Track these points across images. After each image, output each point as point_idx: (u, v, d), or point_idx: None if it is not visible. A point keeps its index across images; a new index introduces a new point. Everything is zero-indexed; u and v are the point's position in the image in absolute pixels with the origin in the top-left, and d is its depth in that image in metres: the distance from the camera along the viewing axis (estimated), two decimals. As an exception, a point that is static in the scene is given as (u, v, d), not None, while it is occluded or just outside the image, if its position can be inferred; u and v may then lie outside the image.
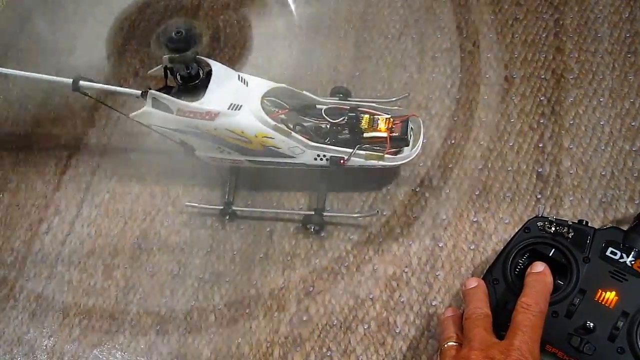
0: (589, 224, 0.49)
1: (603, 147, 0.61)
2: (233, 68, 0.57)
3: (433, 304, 0.57)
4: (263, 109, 0.56)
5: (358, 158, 0.58)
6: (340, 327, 0.57)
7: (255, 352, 0.57)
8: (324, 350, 0.56)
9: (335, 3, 0.77)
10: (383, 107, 0.61)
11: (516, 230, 0.50)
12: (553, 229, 0.49)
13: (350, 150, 0.58)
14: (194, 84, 0.56)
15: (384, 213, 0.62)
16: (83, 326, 0.62)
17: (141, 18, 0.83)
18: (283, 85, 0.59)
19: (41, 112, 0.78)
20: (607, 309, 0.45)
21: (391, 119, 0.59)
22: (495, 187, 0.61)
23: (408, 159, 0.58)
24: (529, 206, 0.60)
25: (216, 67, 0.56)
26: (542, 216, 0.50)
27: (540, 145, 0.63)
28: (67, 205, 0.70)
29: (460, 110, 0.66)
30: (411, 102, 0.68)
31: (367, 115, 0.59)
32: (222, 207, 0.64)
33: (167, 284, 0.63)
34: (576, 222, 0.49)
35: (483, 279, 0.49)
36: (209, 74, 0.56)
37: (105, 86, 0.61)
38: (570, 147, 0.62)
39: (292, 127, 0.59)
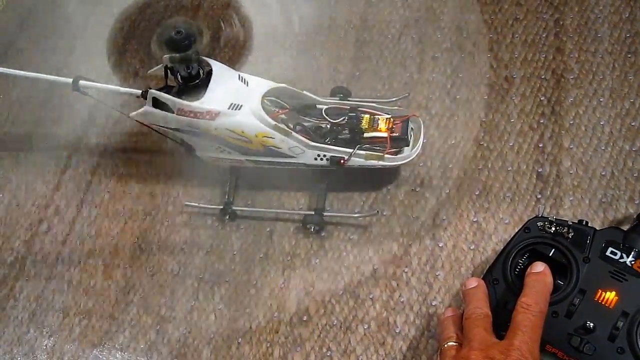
0: (589, 224, 0.49)
1: (603, 147, 0.61)
2: (233, 68, 0.57)
3: (433, 304, 0.57)
4: (263, 108, 0.56)
5: (358, 158, 0.58)
6: (340, 327, 0.57)
7: (255, 352, 0.57)
8: (324, 350, 0.56)
9: (336, 3, 0.77)
10: (383, 107, 0.61)
11: (516, 230, 0.50)
12: (553, 229, 0.49)
13: (350, 150, 0.58)
14: (194, 83, 0.56)
15: (384, 213, 0.62)
16: (83, 326, 0.62)
17: (141, 18, 0.83)
18: (283, 85, 0.59)
19: (41, 112, 0.78)
20: (607, 309, 0.45)
21: (391, 119, 0.59)
22: (495, 187, 0.61)
23: (408, 159, 0.58)
24: (529, 206, 0.60)
25: (216, 66, 0.56)
26: (542, 216, 0.50)
27: (540, 145, 0.63)
28: (67, 205, 0.70)
29: (460, 110, 0.66)
30: (411, 102, 0.68)
31: (367, 115, 0.59)
32: (222, 207, 0.64)
33: (167, 283, 0.63)
34: (576, 222, 0.49)
35: (483, 279, 0.49)
36: (209, 73, 0.56)
37: (105, 86, 0.61)
38: (570, 147, 0.62)
39: (292, 127, 0.59)
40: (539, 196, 0.60)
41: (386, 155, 0.58)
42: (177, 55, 0.53)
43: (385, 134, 0.58)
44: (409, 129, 0.59)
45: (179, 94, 0.56)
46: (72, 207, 0.69)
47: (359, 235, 0.61)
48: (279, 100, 0.60)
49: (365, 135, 0.58)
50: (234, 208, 0.64)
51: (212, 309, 0.60)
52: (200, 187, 0.67)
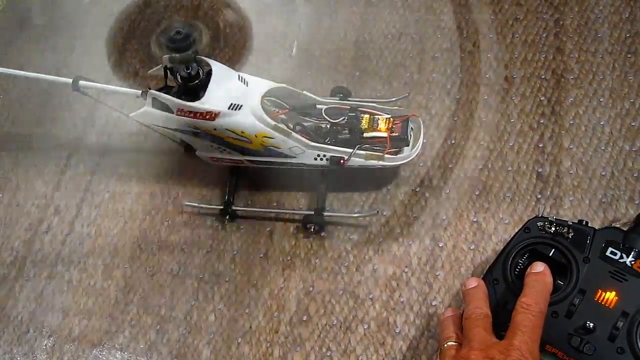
0: (589, 224, 0.49)
1: (603, 147, 0.61)
2: (233, 68, 0.57)
3: (433, 304, 0.57)
4: (263, 108, 0.56)
5: (358, 158, 0.58)
6: (340, 327, 0.57)
7: (255, 352, 0.57)
8: (324, 350, 0.56)
9: (336, 3, 0.77)
10: (383, 107, 0.61)
11: (516, 230, 0.50)
12: (553, 229, 0.49)
13: (350, 150, 0.58)
14: (194, 83, 0.56)
15: (384, 213, 0.62)
16: (83, 326, 0.62)
17: (141, 18, 0.83)
18: (283, 85, 0.59)
19: (41, 112, 0.78)
20: (607, 309, 0.45)
21: (391, 119, 0.59)
22: (495, 187, 0.61)
23: (408, 159, 0.58)
24: (529, 206, 0.60)
25: (216, 67, 0.56)
26: (542, 216, 0.50)
27: (540, 145, 0.63)
28: (67, 205, 0.70)
29: (460, 110, 0.66)
30: (411, 102, 0.68)
31: (367, 115, 0.59)
32: (222, 207, 0.64)
33: (167, 283, 0.63)
34: (576, 222, 0.49)
35: (483, 279, 0.49)
36: (209, 73, 0.56)
37: (105, 86, 0.61)
38: (570, 147, 0.62)
39: (292, 127, 0.59)
40: (539, 196, 0.60)
41: (386, 155, 0.58)
42: (177, 55, 0.53)
43: (385, 134, 0.58)
44: (409, 129, 0.59)
45: (178, 94, 0.56)
46: (72, 207, 0.69)
47: (359, 235, 0.61)
48: (278, 101, 0.60)
49: (365, 135, 0.58)
50: (234, 208, 0.64)
51: (212, 309, 0.60)
52: (200, 187, 0.67)
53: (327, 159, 0.58)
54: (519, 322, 0.42)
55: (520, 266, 0.48)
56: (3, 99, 0.80)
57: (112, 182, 0.70)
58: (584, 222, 0.49)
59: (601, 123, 0.63)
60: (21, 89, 0.80)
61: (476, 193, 0.61)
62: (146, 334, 0.60)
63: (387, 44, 0.73)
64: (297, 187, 0.65)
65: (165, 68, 0.56)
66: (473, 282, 0.48)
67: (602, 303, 0.45)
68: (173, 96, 0.55)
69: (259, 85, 0.58)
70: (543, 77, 0.67)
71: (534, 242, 0.48)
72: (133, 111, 0.58)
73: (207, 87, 0.55)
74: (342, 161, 0.58)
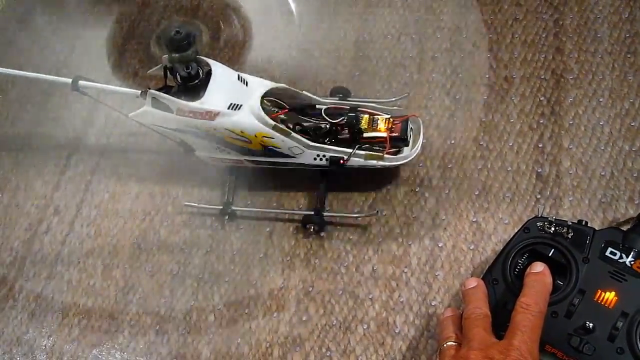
0: (589, 224, 0.49)
1: (603, 147, 0.61)
2: (233, 68, 0.57)
3: (432, 304, 0.57)
4: (263, 109, 0.56)
5: (358, 158, 0.58)
6: (340, 327, 0.57)
7: (255, 352, 0.57)
8: (324, 350, 0.56)
9: (335, 3, 0.77)
10: (383, 107, 0.61)
11: (516, 231, 0.50)
12: (553, 229, 0.49)
13: (350, 150, 0.58)
14: (193, 83, 0.56)
15: (384, 213, 0.62)
16: (82, 326, 0.62)
17: (141, 18, 0.83)
18: (283, 85, 0.59)
19: (41, 112, 0.78)
20: (606, 309, 0.45)
21: (391, 119, 0.59)
22: (495, 187, 0.61)
23: (408, 159, 0.58)
24: (529, 206, 0.60)
25: (216, 67, 0.56)
26: (541, 216, 0.50)
27: (540, 145, 0.63)
28: (67, 205, 0.70)
29: (460, 110, 0.66)
30: (411, 102, 0.68)
31: (366, 115, 0.59)
32: (221, 207, 0.64)
33: (167, 284, 0.63)
34: (576, 222, 0.49)
35: (482, 279, 0.49)
36: (208, 73, 0.56)
37: (105, 86, 0.61)
38: (570, 147, 0.62)
39: (292, 127, 0.59)
40: (539, 196, 0.60)
41: (386, 155, 0.58)
42: (176, 55, 0.53)
43: (384, 134, 0.58)
44: (409, 129, 0.59)
45: (178, 94, 0.56)
46: (71, 207, 0.69)
47: (359, 235, 0.61)
48: (278, 101, 0.60)
49: (365, 135, 0.58)
50: (234, 208, 0.64)
51: (211, 309, 0.60)
52: (200, 187, 0.67)
53: (326, 159, 0.58)
54: (518, 322, 0.42)
55: (519, 266, 0.48)
56: (2, 99, 0.80)
57: (112, 182, 0.70)
58: (583, 222, 0.49)
59: (601, 123, 0.63)
60: (21, 89, 0.80)
61: (476, 193, 0.61)
62: (145, 334, 0.60)
63: (387, 44, 0.73)
64: (297, 187, 0.65)
65: (165, 68, 0.56)
66: (473, 282, 0.48)
67: (602, 303, 0.45)
68: (173, 96, 0.55)
69: (259, 85, 0.58)
70: (543, 77, 0.67)
71: (533, 242, 0.49)
72: (133, 111, 0.58)
73: (206, 87, 0.55)
74: (341, 161, 0.58)
